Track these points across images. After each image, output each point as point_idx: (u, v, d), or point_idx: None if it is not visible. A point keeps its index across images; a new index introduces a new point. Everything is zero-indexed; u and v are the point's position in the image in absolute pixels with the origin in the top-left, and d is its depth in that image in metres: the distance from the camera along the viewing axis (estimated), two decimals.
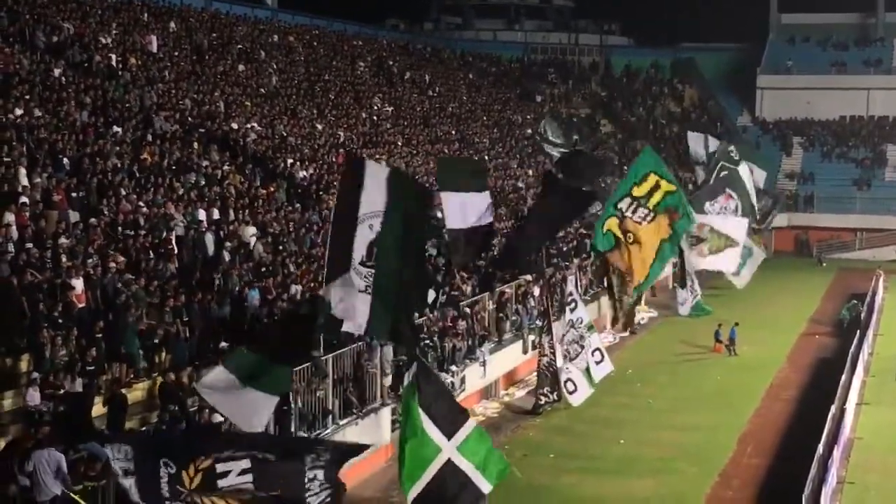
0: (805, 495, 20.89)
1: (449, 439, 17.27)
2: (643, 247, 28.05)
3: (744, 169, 40.19)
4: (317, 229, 31.69)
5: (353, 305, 17.08)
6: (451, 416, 17.51)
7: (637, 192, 28.24)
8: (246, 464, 12.69)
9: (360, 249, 17.00)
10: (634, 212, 28.05)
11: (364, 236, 16.98)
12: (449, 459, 17.26)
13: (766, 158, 54.11)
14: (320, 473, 12.86)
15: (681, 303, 39.92)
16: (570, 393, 30.03)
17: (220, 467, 12.68)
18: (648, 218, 28.02)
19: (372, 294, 17.00)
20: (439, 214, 26.82)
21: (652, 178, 28.38)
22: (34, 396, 17.80)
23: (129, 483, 12.77)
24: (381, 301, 17.07)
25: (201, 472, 12.65)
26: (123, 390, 19.64)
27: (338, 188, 18.61)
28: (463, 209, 23.78)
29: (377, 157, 43.16)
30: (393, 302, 17.21)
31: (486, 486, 17.49)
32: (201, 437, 14.79)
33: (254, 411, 16.54)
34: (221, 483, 12.69)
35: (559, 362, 29.76)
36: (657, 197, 28.16)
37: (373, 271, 17.00)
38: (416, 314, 24.06)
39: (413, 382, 17.33)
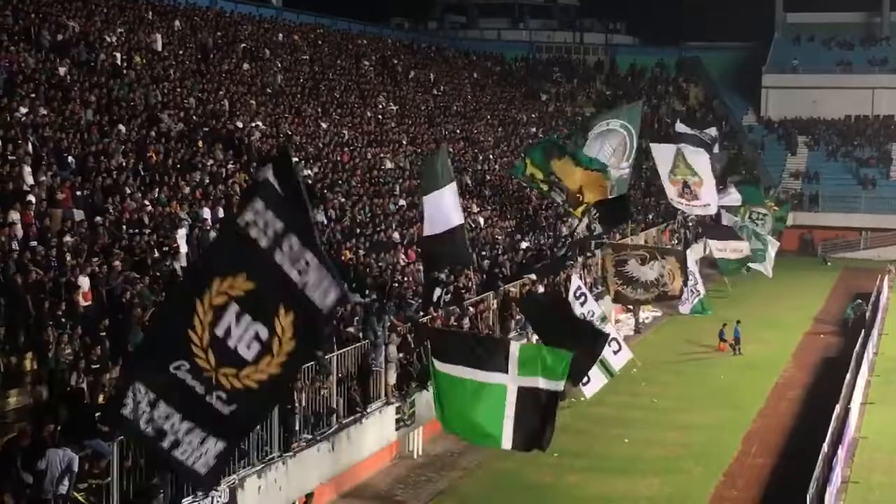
0: (810, 495, 20.87)
1: (507, 372, 17.60)
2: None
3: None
4: (321, 228, 31.68)
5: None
6: (493, 352, 17.94)
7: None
8: (234, 307, 11.22)
9: None
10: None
11: None
12: (519, 388, 17.70)
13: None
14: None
15: (682, 301, 40.02)
16: (584, 385, 30.02)
17: (217, 330, 11.24)
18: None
19: None
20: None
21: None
22: (40, 394, 17.81)
23: (164, 415, 11.36)
24: None
25: (207, 347, 11.24)
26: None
27: None
28: (432, 215, 24.39)
29: (382, 155, 43.21)
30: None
31: (559, 386, 18.20)
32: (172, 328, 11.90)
33: None
34: (231, 342, 11.27)
35: None
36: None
37: None
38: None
39: (430, 363, 17.64)
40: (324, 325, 11.70)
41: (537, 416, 17.91)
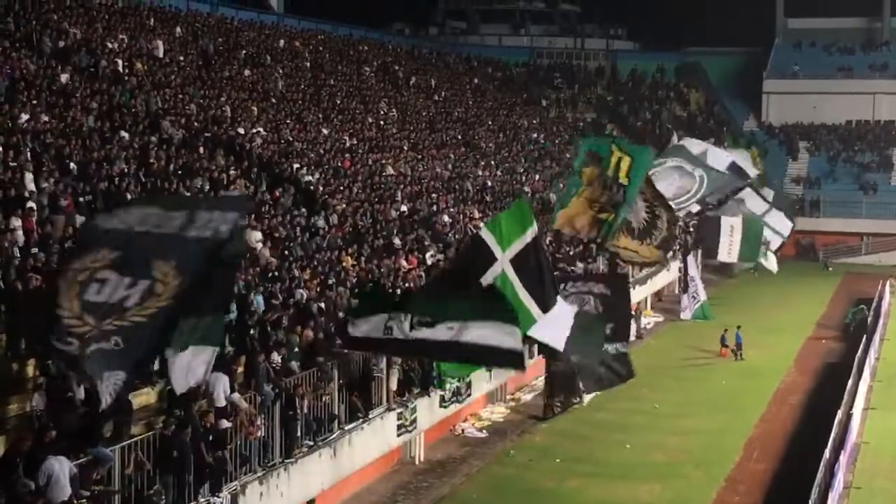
0: (812, 500, 20.89)
1: (497, 258, 18.71)
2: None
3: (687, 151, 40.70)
4: (322, 234, 31.71)
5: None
6: (476, 257, 18.46)
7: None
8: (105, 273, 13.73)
9: None
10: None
11: None
12: (510, 260, 18.43)
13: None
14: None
15: (682, 308, 40.06)
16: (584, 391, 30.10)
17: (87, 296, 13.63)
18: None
19: None
20: None
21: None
22: (40, 401, 17.79)
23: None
24: None
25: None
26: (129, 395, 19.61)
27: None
28: None
29: (383, 161, 43.23)
30: None
31: (535, 230, 19.38)
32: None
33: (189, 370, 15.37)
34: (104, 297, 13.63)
35: None
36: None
37: None
38: None
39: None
40: (232, 244, 13.83)
41: (535, 268, 18.22)
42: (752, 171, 42.70)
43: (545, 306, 19.18)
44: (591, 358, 23.83)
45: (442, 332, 17.20)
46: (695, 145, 42.54)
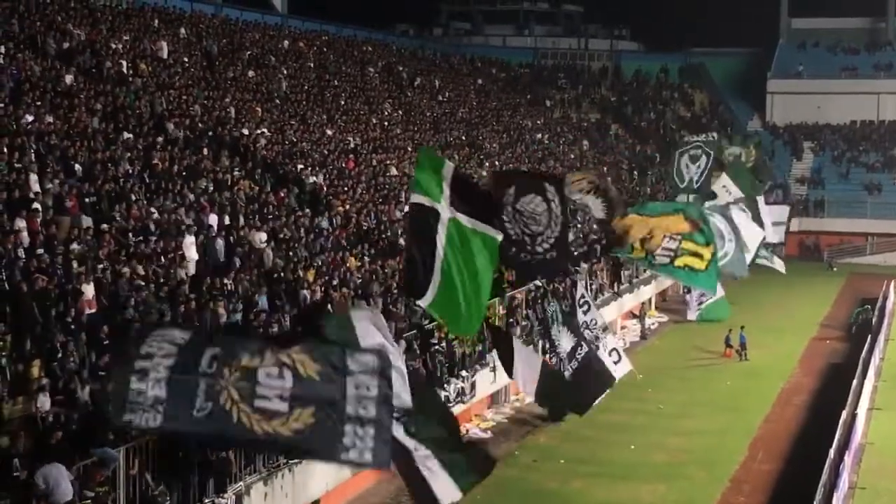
0: (816, 501, 20.89)
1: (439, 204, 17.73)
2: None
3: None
4: (327, 235, 31.73)
5: None
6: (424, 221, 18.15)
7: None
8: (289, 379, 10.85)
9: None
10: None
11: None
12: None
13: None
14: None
15: (689, 308, 39.96)
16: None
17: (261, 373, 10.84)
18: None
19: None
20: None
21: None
22: (45, 403, 17.83)
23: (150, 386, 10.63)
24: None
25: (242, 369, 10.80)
26: None
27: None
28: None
29: (387, 162, 43.23)
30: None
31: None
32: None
33: None
34: (259, 390, 10.83)
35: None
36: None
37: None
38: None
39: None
40: None
41: (470, 197, 18.01)
42: (736, 191, 42.43)
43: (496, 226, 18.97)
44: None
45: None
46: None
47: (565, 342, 29.68)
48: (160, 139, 32.06)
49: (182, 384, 10.59)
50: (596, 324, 30.07)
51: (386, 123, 49.75)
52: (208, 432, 10.90)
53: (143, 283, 22.54)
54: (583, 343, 29.66)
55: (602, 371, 29.40)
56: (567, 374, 29.32)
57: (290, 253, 28.71)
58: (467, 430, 29.26)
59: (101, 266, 22.33)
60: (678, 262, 29.81)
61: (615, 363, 30.09)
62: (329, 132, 43.45)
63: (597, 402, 29.39)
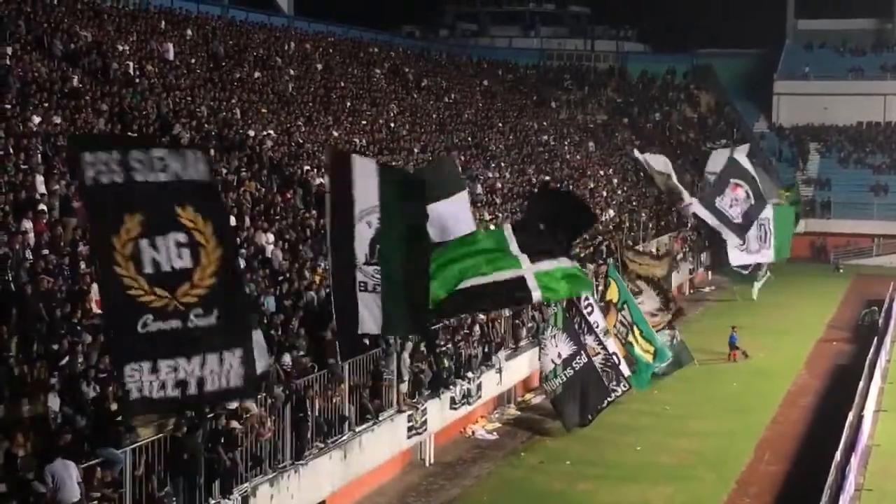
0: (823, 503, 20.84)
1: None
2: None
3: (740, 156, 40.18)
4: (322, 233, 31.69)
5: (364, 307, 16.94)
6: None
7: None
8: (143, 241, 12.01)
9: (362, 248, 16.85)
10: None
11: (364, 235, 16.84)
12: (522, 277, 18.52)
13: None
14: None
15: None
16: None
17: (145, 269, 11.99)
18: None
19: (382, 292, 16.86)
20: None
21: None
22: (53, 403, 17.84)
23: (170, 368, 12.04)
24: (391, 298, 16.92)
25: (150, 287, 11.93)
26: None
27: (328, 187, 18.00)
28: (440, 221, 23.53)
29: (393, 163, 43.20)
30: (404, 295, 17.07)
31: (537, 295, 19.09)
32: None
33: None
34: (164, 267, 12.02)
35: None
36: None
37: (378, 268, 16.84)
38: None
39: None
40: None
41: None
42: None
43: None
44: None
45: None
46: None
47: (563, 348, 29.76)
48: (166, 140, 32.07)
49: None
50: (598, 326, 30.14)
51: (392, 125, 49.75)
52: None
53: None
54: (582, 352, 29.75)
55: (600, 384, 29.59)
56: (559, 381, 29.47)
57: (297, 254, 28.70)
58: (473, 433, 29.28)
59: None
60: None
61: (621, 376, 30.09)
62: (335, 133, 43.46)
63: (594, 417, 29.51)
